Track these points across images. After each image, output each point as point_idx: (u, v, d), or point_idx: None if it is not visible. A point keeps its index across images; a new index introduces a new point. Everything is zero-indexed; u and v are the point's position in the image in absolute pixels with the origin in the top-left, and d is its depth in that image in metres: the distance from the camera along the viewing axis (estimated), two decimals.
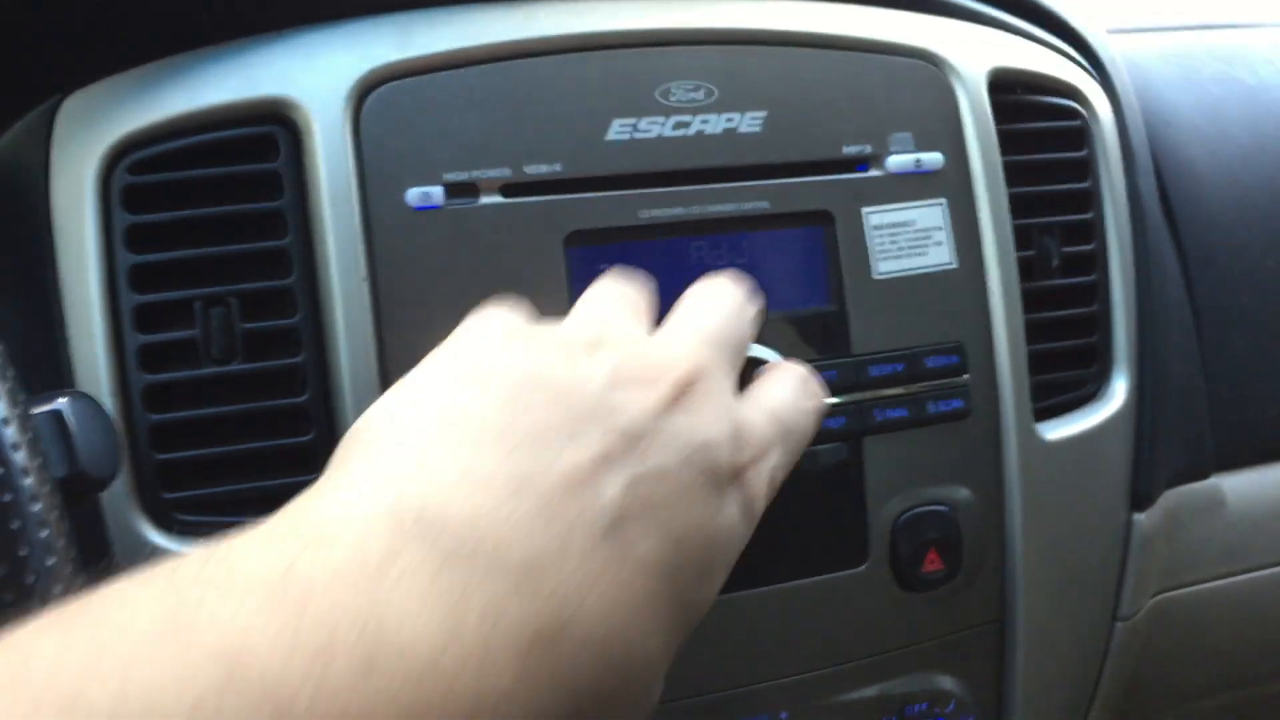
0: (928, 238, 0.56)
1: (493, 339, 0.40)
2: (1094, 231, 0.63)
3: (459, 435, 0.35)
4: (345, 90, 0.49)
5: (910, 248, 0.56)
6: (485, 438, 0.35)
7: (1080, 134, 0.63)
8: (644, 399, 0.38)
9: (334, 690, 0.27)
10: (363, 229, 0.48)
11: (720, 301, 0.44)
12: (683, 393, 0.39)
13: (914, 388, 0.56)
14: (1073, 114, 0.63)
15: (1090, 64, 0.66)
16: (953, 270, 0.57)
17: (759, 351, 0.50)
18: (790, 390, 0.44)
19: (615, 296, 0.43)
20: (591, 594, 0.34)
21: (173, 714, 0.24)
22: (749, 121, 0.54)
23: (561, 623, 0.33)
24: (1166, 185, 0.71)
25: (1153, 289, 0.64)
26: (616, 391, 0.38)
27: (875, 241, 0.55)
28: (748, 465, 0.40)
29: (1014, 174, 0.59)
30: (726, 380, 0.41)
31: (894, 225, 0.56)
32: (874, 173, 0.56)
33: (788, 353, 0.52)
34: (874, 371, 0.55)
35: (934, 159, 0.57)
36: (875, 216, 0.55)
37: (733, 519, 0.40)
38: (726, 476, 0.39)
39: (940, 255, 0.57)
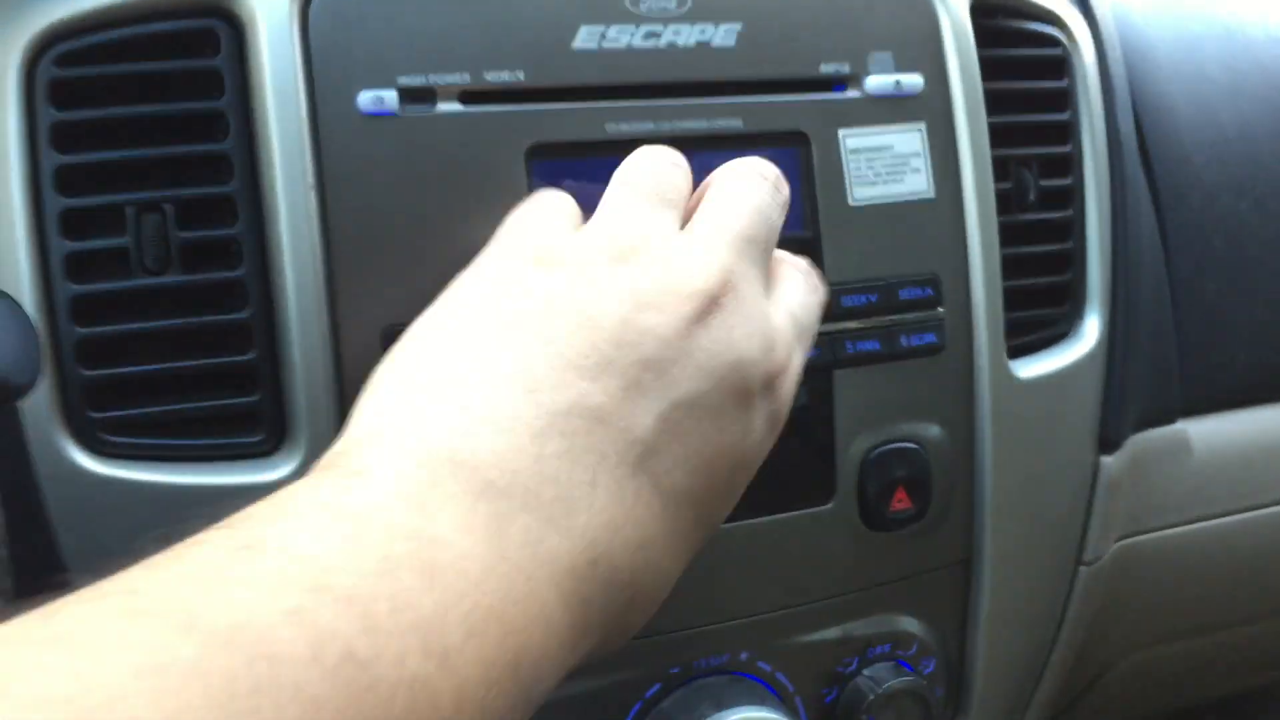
0: (905, 164, 0.54)
1: (518, 260, 0.39)
2: (1072, 166, 0.61)
3: (480, 378, 0.35)
4: None
5: (887, 174, 0.54)
6: (506, 378, 0.34)
7: (1061, 63, 0.61)
8: (670, 321, 0.36)
9: (406, 599, 0.28)
10: (310, 133, 0.45)
11: (751, 193, 0.42)
12: (711, 308, 0.37)
13: (887, 320, 0.53)
14: (1054, 42, 0.61)
15: None
16: (929, 199, 0.55)
17: None
18: (803, 288, 0.43)
19: (649, 185, 0.41)
20: (623, 530, 0.35)
21: (277, 624, 0.25)
22: (723, 34, 0.51)
23: (593, 558, 0.34)
24: (1142, 122, 0.69)
25: (1128, 228, 0.63)
26: (641, 314, 0.36)
27: (852, 166, 0.53)
28: (777, 374, 0.39)
29: (993, 102, 0.57)
30: (757, 284, 0.40)
31: (871, 150, 0.53)
32: (852, 93, 0.53)
33: None
34: (846, 302, 0.52)
35: (914, 81, 0.54)
36: (853, 140, 0.53)
37: (761, 432, 0.39)
38: (757, 390, 0.38)
39: (917, 183, 0.54)
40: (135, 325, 0.44)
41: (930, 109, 0.55)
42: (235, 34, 0.45)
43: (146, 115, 0.44)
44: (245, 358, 0.45)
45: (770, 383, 0.39)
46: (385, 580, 0.28)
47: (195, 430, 0.45)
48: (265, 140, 0.45)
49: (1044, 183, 0.60)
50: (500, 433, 0.33)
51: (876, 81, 0.53)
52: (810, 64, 0.52)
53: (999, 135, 0.57)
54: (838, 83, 0.53)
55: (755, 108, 0.51)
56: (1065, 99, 0.61)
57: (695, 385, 0.36)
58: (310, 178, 0.45)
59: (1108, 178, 0.62)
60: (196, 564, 0.27)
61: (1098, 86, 0.62)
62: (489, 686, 0.29)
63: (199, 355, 0.45)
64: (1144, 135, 0.69)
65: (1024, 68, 0.60)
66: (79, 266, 0.44)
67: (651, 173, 0.42)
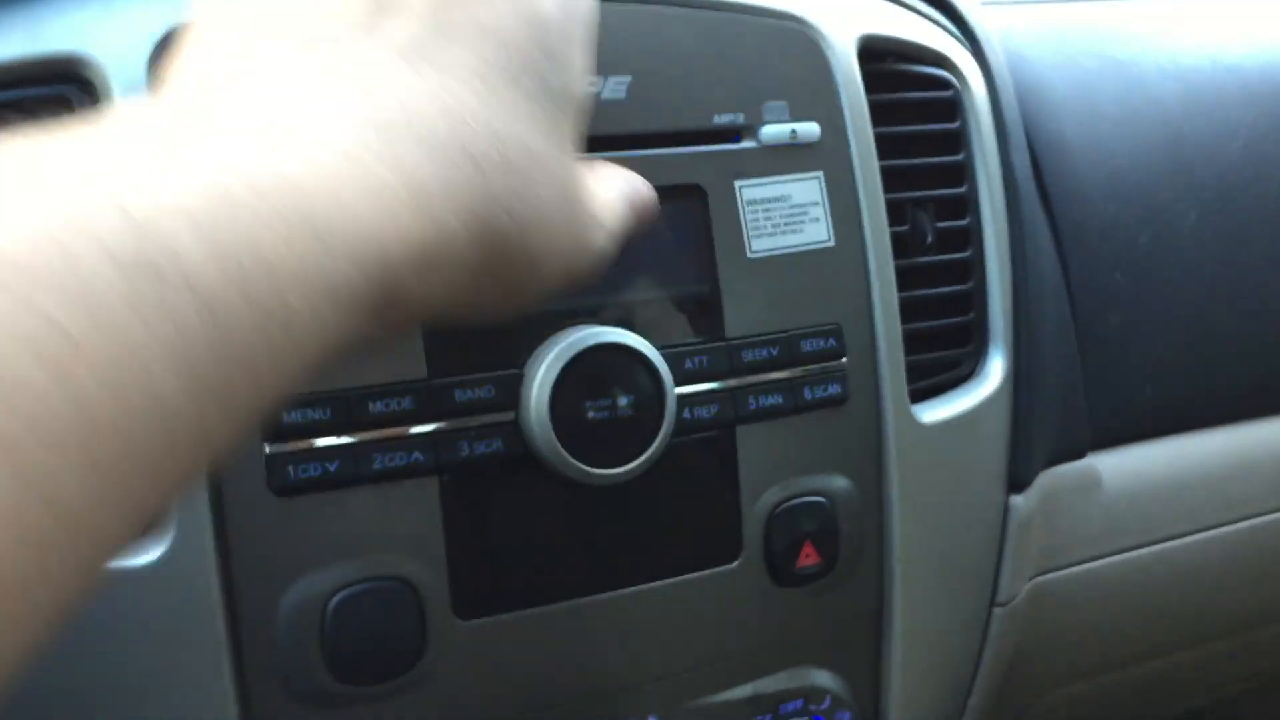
0: (804, 213, 0.53)
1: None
2: (968, 206, 0.61)
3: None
4: (149, 47, 0.43)
5: (786, 224, 0.53)
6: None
7: (953, 105, 0.61)
8: None
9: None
10: None
11: None
12: None
13: (789, 373, 0.53)
14: (945, 84, 0.61)
15: (962, 34, 0.64)
16: (829, 248, 0.54)
17: (626, 338, 0.47)
18: None
19: None
20: (425, 107, 0.31)
21: None
22: (612, 87, 0.49)
23: (389, 121, 0.30)
24: (1039, 160, 0.69)
25: (1028, 266, 0.63)
26: None
27: (750, 218, 0.52)
28: None
29: (885, 146, 0.56)
30: None
31: (769, 200, 0.52)
32: (747, 144, 0.52)
33: (656, 339, 0.48)
34: (747, 356, 0.52)
35: (810, 130, 0.53)
36: (750, 191, 0.52)
37: None
38: None
39: (817, 232, 0.54)
40: None
41: (827, 156, 0.54)
42: (91, 100, 0.43)
43: None
44: None
45: None
46: None
47: None
48: None
49: (941, 224, 0.60)
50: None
51: (772, 131, 0.53)
52: (704, 116, 0.51)
53: (893, 179, 0.57)
54: (732, 134, 0.52)
55: (649, 162, 0.49)
56: (958, 141, 0.61)
57: None
58: None
59: (1005, 217, 0.62)
60: None
61: (991, 127, 0.62)
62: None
63: None
64: (1041, 173, 0.69)
65: (915, 111, 0.60)
66: None
67: None
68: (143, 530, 0.43)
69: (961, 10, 0.65)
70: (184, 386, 0.23)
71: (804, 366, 0.53)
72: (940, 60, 0.61)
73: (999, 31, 0.67)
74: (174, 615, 0.43)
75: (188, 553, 0.43)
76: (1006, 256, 0.62)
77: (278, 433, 0.43)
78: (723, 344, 0.51)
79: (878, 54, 0.58)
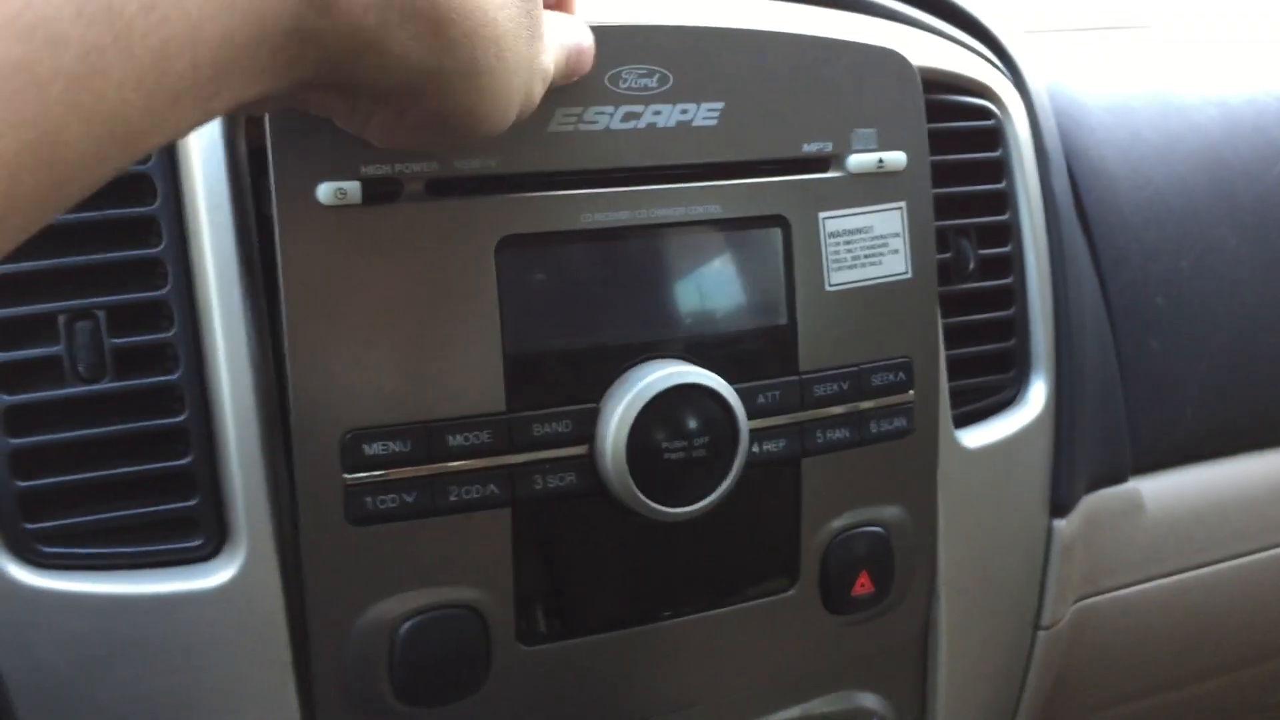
0: (884, 245, 0.53)
1: None
2: (1010, 233, 0.62)
3: None
4: None
5: (866, 256, 0.52)
6: None
7: (994, 134, 0.62)
8: None
9: None
10: (237, 235, 0.44)
11: None
12: None
13: (857, 406, 0.52)
14: (986, 114, 0.62)
15: (1003, 64, 0.65)
16: (905, 280, 0.53)
17: (704, 379, 0.47)
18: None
19: None
20: None
21: None
22: (704, 114, 0.49)
23: None
24: (1079, 187, 0.70)
25: (1069, 292, 0.64)
26: None
27: (831, 250, 0.51)
28: None
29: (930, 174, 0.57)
30: None
31: (851, 231, 0.52)
32: (834, 173, 0.51)
33: (731, 374, 0.48)
34: (818, 391, 0.51)
35: (897, 158, 0.52)
36: (833, 222, 0.51)
37: None
38: None
39: (895, 264, 0.53)
40: (70, 434, 0.44)
41: (910, 186, 0.53)
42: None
43: (76, 222, 0.44)
44: (182, 462, 0.45)
45: None
46: None
47: (134, 537, 0.45)
48: (198, 244, 0.44)
49: (983, 252, 0.61)
50: None
51: (859, 160, 0.52)
52: (792, 144, 0.51)
53: (936, 207, 0.57)
54: (820, 162, 0.51)
55: (734, 191, 0.49)
56: (1000, 169, 0.62)
57: None
58: (243, 280, 0.44)
59: (1046, 243, 0.63)
60: None
61: (1032, 155, 0.63)
62: None
63: (136, 461, 0.44)
64: (1081, 200, 0.70)
65: (958, 140, 0.60)
66: (11, 376, 0.43)
67: None
68: None
69: (1002, 41, 0.66)
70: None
71: (873, 400, 0.53)
72: (982, 90, 0.62)
73: (1039, 60, 0.68)
74: (242, 635, 0.45)
75: (255, 576, 0.44)
76: (1048, 282, 0.63)
77: (357, 463, 0.44)
78: (795, 379, 0.51)
79: (922, 85, 0.59)
